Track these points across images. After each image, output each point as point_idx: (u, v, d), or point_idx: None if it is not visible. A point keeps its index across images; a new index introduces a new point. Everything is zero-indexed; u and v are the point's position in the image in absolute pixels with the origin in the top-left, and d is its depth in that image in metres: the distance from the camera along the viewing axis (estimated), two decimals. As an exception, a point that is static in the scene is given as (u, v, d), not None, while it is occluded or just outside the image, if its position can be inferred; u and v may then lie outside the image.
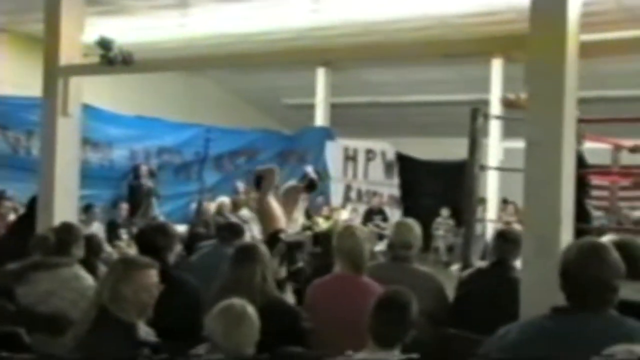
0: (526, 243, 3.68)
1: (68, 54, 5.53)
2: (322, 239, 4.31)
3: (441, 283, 4.08)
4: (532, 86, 3.67)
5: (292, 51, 7.84)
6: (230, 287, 3.44)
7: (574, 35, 3.59)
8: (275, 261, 3.85)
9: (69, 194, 5.61)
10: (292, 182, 6.91)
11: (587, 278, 2.45)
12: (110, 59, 5.24)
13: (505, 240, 4.25)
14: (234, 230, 4.93)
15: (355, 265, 3.60)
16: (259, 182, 6.59)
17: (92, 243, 4.81)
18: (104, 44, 5.24)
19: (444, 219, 13.97)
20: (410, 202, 14.45)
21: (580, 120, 6.20)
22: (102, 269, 4.72)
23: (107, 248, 9.29)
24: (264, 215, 6.25)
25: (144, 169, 10.86)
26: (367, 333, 2.87)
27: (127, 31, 10.64)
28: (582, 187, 5.37)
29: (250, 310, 3.01)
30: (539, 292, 3.35)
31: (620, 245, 3.43)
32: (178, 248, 4.57)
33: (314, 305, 3.60)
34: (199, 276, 4.43)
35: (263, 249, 3.61)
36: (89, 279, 4.01)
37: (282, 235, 5.13)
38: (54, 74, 5.49)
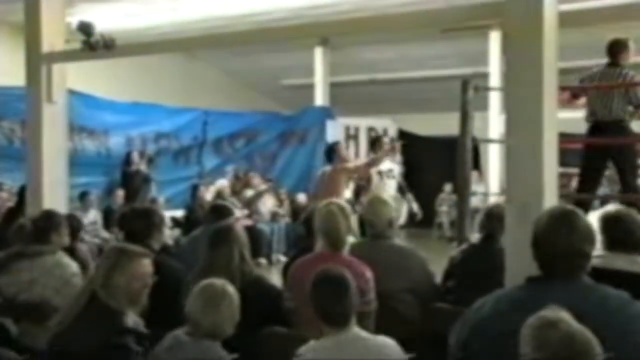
0: (509, 212, 3.64)
1: (50, 41, 5.50)
2: (305, 219, 4.28)
3: (422, 257, 4.04)
4: (510, 56, 3.60)
5: (287, 29, 7.78)
6: (208, 269, 3.41)
7: (551, 4, 3.51)
8: None
9: (57, 182, 5.58)
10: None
11: (556, 246, 2.41)
12: (92, 44, 5.20)
13: (492, 216, 4.25)
14: (219, 212, 4.88)
15: (332, 243, 3.57)
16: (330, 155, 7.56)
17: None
18: (85, 29, 5.20)
19: (447, 195, 13.95)
20: (413, 178, 14.39)
21: (576, 88, 6.17)
22: (83, 249, 4.72)
23: (105, 234, 9.34)
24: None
25: (135, 155, 10.83)
26: (316, 317, 2.87)
27: (118, 18, 10.61)
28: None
29: (231, 290, 3.01)
30: (521, 260, 3.30)
31: (616, 218, 3.43)
32: (165, 232, 4.52)
33: (295, 285, 3.57)
34: (188, 259, 4.41)
35: (238, 228, 3.57)
36: (72, 266, 4.00)
37: None
38: (37, 61, 5.45)
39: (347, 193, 8.20)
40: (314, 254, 3.68)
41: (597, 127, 5.72)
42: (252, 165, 13.08)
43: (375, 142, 8.08)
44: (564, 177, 6.74)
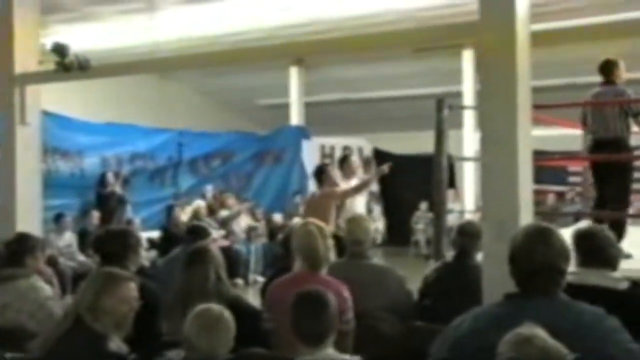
0: (486, 230, 3.67)
1: (23, 63, 5.47)
2: (283, 239, 4.27)
3: (400, 276, 4.05)
4: (483, 74, 3.65)
5: (261, 49, 7.79)
6: (185, 290, 3.38)
7: (523, 24, 3.56)
8: None
9: (31, 204, 5.53)
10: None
11: (533, 262, 2.44)
12: (66, 65, 5.17)
13: (463, 234, 4.29)
14: (197, 233, 4.85)
15: (310, 263, 3.56)
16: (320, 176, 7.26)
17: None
18: (59, 50, 5.18)
19: (423, 213, 13.99)
20: (389, 197, 14.47)
21: (550, 106, 6.23)
22: (48, 272, 4.65)
23: (80, 257, 9.23)
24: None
25: (110, 176, 10.75)
26: (293, 336, 2.85)
27: (95, 38, 10.56)
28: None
29: (227, 315, 3.01)
30: (498, 277, 3.32)
31: (587, 234, 3.46)
32: (141, 254, 4.47)
33: (274, 305, 3.55)
34: (166, 280, 4.37)
35: (214, 249, 3.55)
36: (46, 290, 3.93)
37: None
38: (10, 82, 5.42)
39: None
40: (292, 274, 3.66)
41: (596, 145, 5.76)
42: (228, 185, 13.05)
43: (343, 162, 7.78)
44: (539, 194, 6.80)
